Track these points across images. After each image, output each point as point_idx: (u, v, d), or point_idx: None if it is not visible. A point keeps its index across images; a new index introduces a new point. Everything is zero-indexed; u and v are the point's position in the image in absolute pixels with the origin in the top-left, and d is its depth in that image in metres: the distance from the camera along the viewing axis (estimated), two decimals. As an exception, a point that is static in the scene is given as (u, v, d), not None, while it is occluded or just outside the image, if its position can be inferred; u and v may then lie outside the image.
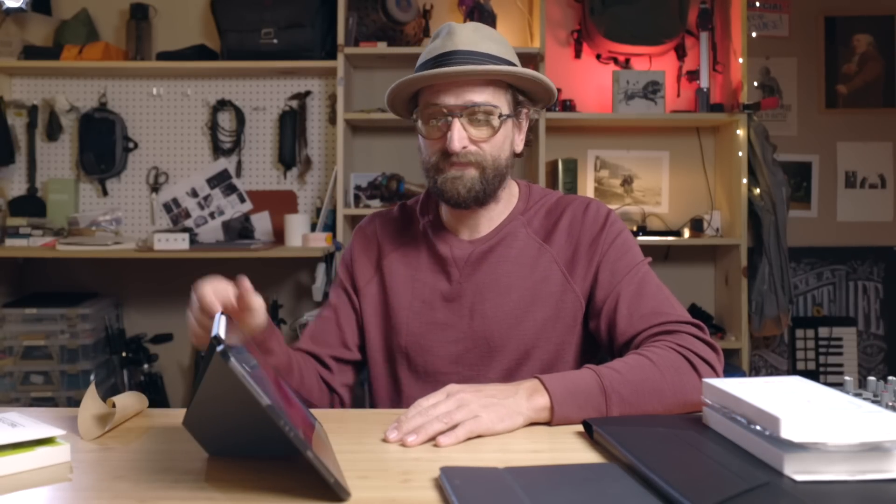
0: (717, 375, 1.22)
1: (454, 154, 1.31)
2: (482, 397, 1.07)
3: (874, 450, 0.84)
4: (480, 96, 1.31)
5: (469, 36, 1.33)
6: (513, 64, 1.35)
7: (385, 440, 1.03)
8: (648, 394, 1.15)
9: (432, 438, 1.01)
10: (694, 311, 3.51)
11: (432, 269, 1.43)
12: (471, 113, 1.31)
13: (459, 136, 1.30)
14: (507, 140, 1.36)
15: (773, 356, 3.70)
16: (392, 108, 1.43)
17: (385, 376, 1.46)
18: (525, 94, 1.39)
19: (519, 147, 1.41)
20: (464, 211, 1.39)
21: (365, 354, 1.48)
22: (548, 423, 1.11)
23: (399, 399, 1.43)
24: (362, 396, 1.81)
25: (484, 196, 1.36)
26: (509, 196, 1.45)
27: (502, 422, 1.05)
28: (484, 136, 1.33)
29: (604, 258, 1.37)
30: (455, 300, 1.40)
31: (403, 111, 1.43)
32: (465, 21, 3.41)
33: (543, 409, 1.10)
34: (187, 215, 3.54)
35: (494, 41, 1.35)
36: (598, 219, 1.41)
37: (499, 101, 1.33)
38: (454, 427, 1.02)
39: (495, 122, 1.32)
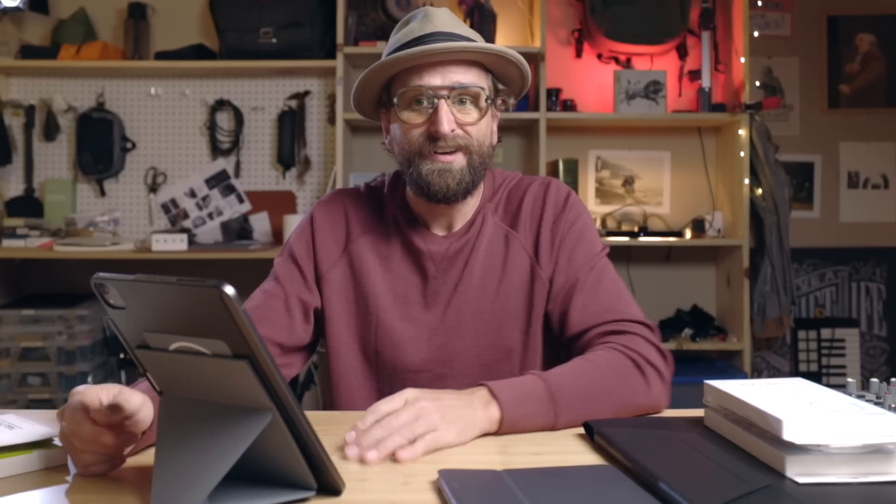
0: (665, 381, 1.20)
1: (442, 138, 1.23)
2: (441, 407, 1.01)
3: (877, 452, 0.83)
4: (466, 77, 1.25)
5: (446, 19, 1.28)
6: None
7: (344, 458, 0.96)
8: (597, 398, 1.11)
9: (392, 453, 0.96)
10: (695, 312, 3.50)
11: (406, 262, 1.35)
12: (458, 94, 1.25)
13: (448, 118, 1.23)
14: (489, 126, 1.31)
15: (775, 358, 3.69)
16: (358, 104, 1.34)
17: (349, 372, 1.35)
18: (501, 83, 1.34)
19: (495, 138, 1.36)
20: (441, 205, 1.31)
21: (312, 345, 1.38)
22: (495, 434, 1.07)
23: (365, 396, 1.34)
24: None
25: (472, 187, 1.29)
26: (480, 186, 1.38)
27: (460, 435, 1.01)
28: (471, 119, 1.26)
29: (563, 242, 1.33)
30: (430, 297, 1.34)
31: (371, 105, 1.35)
32: (465, 21, 3.40)
33: (495, 420, 1.06)
34: (185, 216, 3.53)
35: (468, 29, 1.30)
36: (558, 200, 1.36)
37: (483, 83, 1.28)
38: (414, 440, 0.97)
39: (482, 103, 1.27)
